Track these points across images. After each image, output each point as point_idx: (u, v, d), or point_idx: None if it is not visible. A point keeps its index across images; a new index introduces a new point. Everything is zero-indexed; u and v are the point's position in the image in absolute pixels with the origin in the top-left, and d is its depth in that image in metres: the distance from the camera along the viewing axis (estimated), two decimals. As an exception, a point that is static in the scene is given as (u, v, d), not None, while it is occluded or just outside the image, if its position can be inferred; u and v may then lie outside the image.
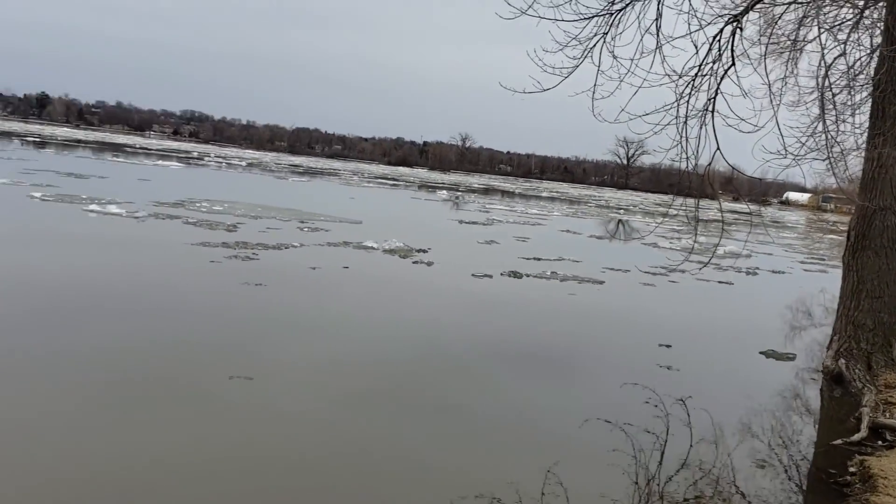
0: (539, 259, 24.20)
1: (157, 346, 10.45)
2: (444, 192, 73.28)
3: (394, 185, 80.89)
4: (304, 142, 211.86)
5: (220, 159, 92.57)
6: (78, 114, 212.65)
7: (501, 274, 20.26)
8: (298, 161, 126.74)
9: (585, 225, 47.05)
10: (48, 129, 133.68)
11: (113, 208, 24.61)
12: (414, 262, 20.82)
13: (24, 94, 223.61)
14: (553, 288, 19.30)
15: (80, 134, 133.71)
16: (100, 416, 7.78)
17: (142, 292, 13.57)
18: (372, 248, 22.45)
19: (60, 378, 8.70)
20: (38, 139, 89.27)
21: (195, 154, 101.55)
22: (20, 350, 9.50)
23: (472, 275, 19.58)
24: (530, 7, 7.83)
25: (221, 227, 23.56)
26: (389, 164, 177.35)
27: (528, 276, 20.44)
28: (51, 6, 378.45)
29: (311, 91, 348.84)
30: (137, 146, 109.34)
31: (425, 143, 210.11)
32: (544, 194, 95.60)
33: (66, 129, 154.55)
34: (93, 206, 24.68)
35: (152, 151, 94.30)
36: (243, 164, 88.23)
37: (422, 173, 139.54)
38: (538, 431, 9.01)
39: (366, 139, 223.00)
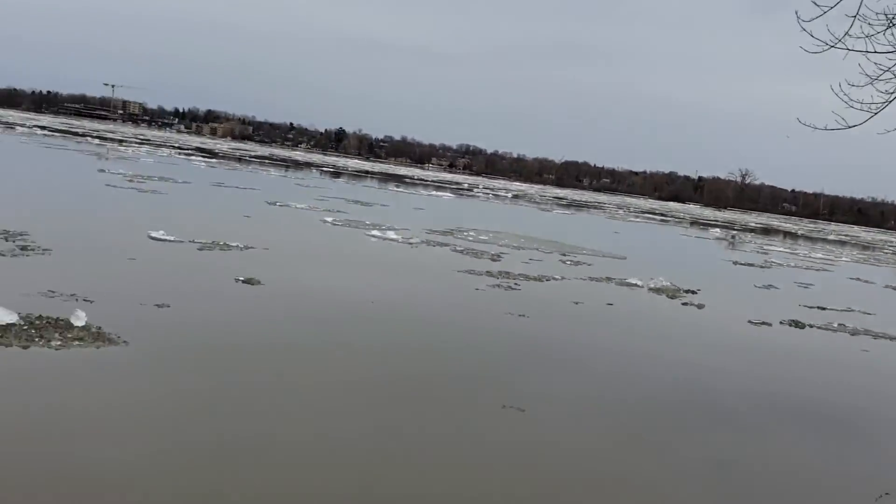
0: (824, 308, 21.79)
1: (430, 368, 10.78)
2: (718, 230, 69.46)
3: (662, 220, 78.32)
4: (571, 174, 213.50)
5: (488, 191, 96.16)
6: (368, 147, 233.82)
7: (781, 322, 18.49)
8: (563, 193, 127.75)
9: (881, 273, 41.83)
10: (342, 161, 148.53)
11: (391, 234, 26.34)
12: (683, 304, 19.71)
13: (325, 130, 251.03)
14: (840, 341, 17.20)
15: (367, 165, 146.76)
16: (379, 431, 8.11)
17: (414, 315, 14.22)
18: (636, 285, 21.67)
19: (336, 390, 9.24)
20: (332, 169, 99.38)
21: (465, 185, 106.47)
22: (293, 361, 10.30)
23: (749, 321, 18.08)
24: (840, 41, 6.97)
25: (486, 256, 24.18)
26: (660, 198, 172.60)
27: (811, 326, 18.45)
28: (347, 53, 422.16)
29: (582, 124, 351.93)
30: (415, 177, 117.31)
31: (700, 179, 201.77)
32: (831, 237, 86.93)
33: (356, 160, 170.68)
34: (374, 232, 26.63)
35: (428, 182, 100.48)
36: (509, 195, 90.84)
37: (694, 209, 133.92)
38: (821, 500, 7.90)
39: (636, 173, 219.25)
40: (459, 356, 11.74)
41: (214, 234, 19.71)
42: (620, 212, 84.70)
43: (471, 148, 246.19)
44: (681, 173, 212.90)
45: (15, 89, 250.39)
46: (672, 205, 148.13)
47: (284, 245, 21.21)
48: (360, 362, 10.55)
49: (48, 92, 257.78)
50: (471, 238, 29.50)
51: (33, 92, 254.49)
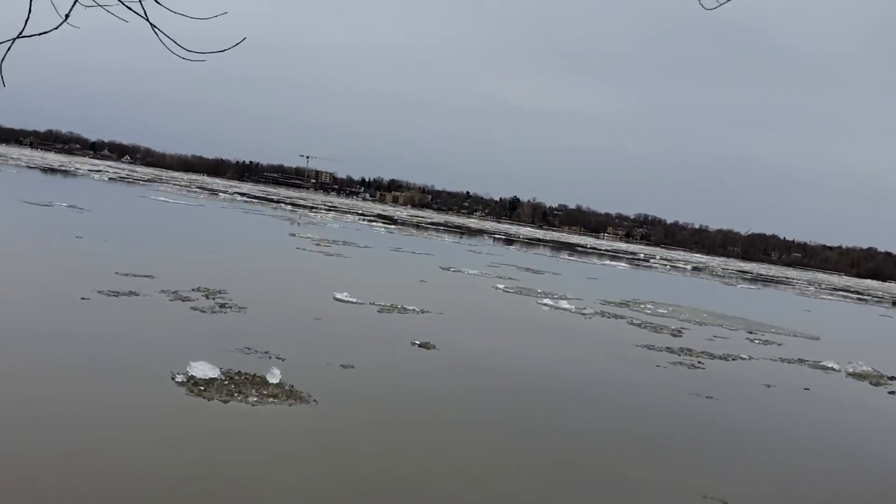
0: None
1: (612, 450, 10.25)
2: (925, 311, 62.82)
3: (859, 299, 72.07)
4: (758, 248, 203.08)
5: (665, 262, 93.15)
6: (542, 215, 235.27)
7: None
8: (748, 267, 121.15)
9: None
10: (514, 228, 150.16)
11: (564, 303, 25.98)
12: (889, 392, 17.80)
13: (500, 198, 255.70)
14: None
15: (539, 233, 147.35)
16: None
17: (590, 391, 13.77)
18: (833, 369, 19.87)
19: (507, 467, 9.03)
20: (504, 237, 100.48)
21: (641, 256, 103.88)
22: (466, 430, 10.20)
23: (970, 417, 16.00)
24: None
25: (665, 330, 23.21)
26: (857, 275, 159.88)
27: None
28: (523, 123, 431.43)
29: (769, 196, 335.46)
30: (588, 246, 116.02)
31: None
32: None
33: (529, 228, 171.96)
34: (546, 300, 26.40)
35: (602, 252, 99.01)
36: (688, 267, 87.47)
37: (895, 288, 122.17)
38: None
39: (830, 247, 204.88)
40: (643, 438, 11.13)
41: (392, 298, 20.33)
42: (811, 288, 79.05)
43: (649, 217, 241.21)
44: (881, 249, 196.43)
45: (222, 159, 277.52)
46: (870, 282, 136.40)
47: (457, 310, 21.46)
48: (534, 438, 10.28)
49: (250, 162, 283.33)
50: (648, 311, 28.50)
51: (238, 162, 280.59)
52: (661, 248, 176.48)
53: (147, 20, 3.43)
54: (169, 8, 3.47)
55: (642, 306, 29.83)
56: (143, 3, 3.39)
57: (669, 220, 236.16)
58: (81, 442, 7.61)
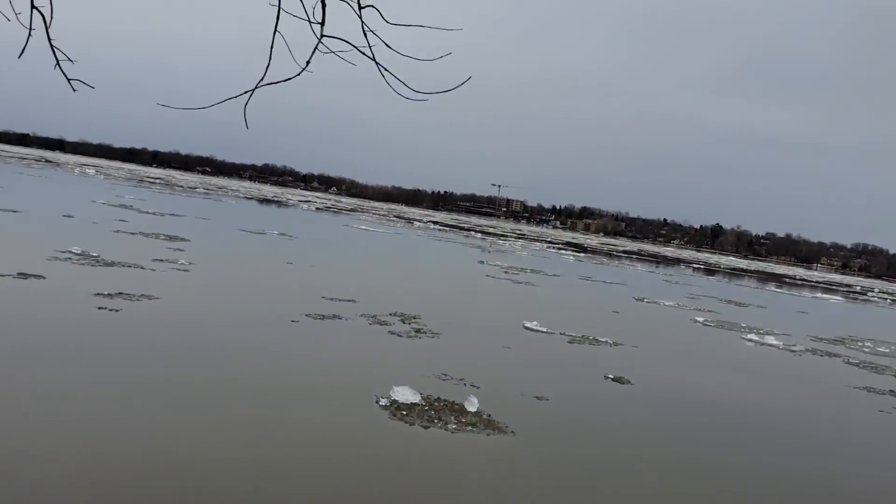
0: None
1: None
2: None
3: None
4: None
5: (886, 295, 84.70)
6: (747, 244, 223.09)
7: None
8: None
9: None
10: (714, 258, 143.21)
11: (770, 339, 24.32)
12: None
13: (700, 226, 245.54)
14: None
15: (743, 263, 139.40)
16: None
17: (801, 435, 12.74)
18: None
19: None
20: (704, 267, 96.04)
21: (858, 288, 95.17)
22: (668, 475, 9.75)
23: None
24: None
25: (888, 371, 21.07)
26: None
27: None
28: (724, 148, 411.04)
29: None
30: (797, 277, 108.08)
31: None
32: None
33: (731, 258, 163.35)
34: (751, 336, 24.83)
35: (814, 284, 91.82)
36: (915, 302, 78.92)
37: None
38: None
39: None
40: (865, 494, 10.09)
41: (583, 328, 20.04)
42: None
43: (868, 247, 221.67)
44: None
45: (419, 190, 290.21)
46: None
47: (652, 343, 20.70)
48: (738, 485, 9.64)
49: (444, 192, 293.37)
50: (867, 350, 26.00)
51: (433, 192, 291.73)
52: (883, 280, 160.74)
53: (377, 63, 3.67)
54: (399, 51, 3.70)
55: (860, 344, 27.29)
56: (372, 48, 3.65)
57: (892, 251, 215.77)
58: (297, 457, 8.10)
